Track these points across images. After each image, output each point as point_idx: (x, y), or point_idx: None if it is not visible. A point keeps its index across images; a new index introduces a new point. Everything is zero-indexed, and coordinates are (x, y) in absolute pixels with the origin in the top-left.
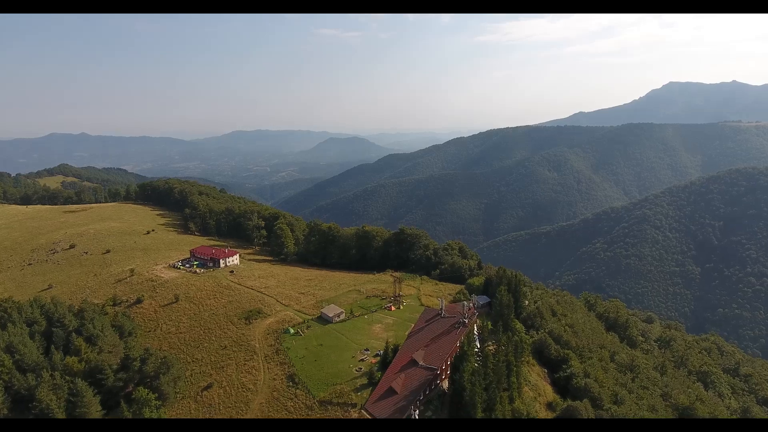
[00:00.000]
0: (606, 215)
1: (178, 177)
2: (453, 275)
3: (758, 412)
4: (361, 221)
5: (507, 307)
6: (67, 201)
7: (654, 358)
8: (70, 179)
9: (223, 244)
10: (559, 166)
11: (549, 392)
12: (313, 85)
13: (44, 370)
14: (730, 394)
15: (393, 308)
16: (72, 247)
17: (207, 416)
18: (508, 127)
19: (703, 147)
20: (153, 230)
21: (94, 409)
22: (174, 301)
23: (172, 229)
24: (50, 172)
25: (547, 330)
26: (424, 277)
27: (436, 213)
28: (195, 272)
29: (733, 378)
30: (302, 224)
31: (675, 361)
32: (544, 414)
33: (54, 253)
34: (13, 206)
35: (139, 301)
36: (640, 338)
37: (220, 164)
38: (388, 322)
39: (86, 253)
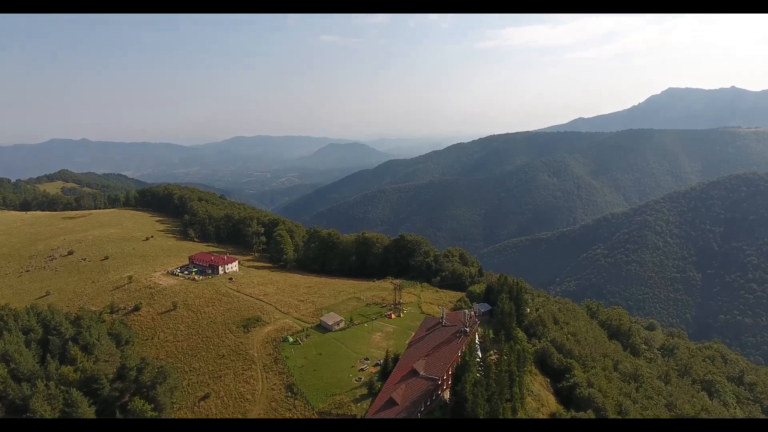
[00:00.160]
0: (606, 221)
1: (178, 183)
2: (454, 282)
3: None
4: (361, 227)
5: (509, 316)
6: (66, 207)
7: (658, 367)
8: (70, 185)
9: (222, 250)
10: (559, 172)
11: (552, 403)
12: (313, 91)
13: (39, 379)
14: (735, 404)
15: (393, 316)
16: (70, 253)
17: None
18: (507, 133)
19: (703, 152)
20: (152, 236)
21: None
22: (172, 308)
23: (171, 235)
24: (50, 178)
25: (549, 338)
26: (425, 284)
27: (436, 219)
28: (193, 279)
29: (738, 387)
30: (302, 230)
31: (679, 369)
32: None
33: (52, 259)
34: (12, 212)
35: (136, 308)
36: (644, 346)
37: (221, 170)
38: (388, 331)
39: (84, 259)
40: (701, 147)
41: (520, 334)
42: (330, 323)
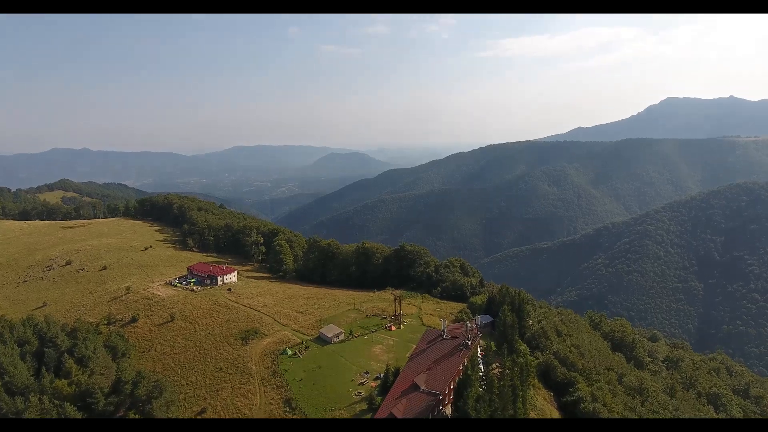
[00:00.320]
0: (607, 230)
1: (178, 192)
2: (455, 293)
3: None
4: (361, 236)
5: (511, 328)
6: (66, 216)
7: (662, 380)
8: (70, 194)
9: (221, 260)
10: (559, 181)
11: (556, 417)
12: (314, 100)
13: (33, 393)
14: (741, 417)
15: (393, 328)
16: (68, 263)
17: None
18: (507, 143)
19: (702, 162)
20: (151, 246)
21: None
22: (169, 320)
23: (170, 245)
24: (50, 188)
25: (552, 351)
26: (425, 295)
27: (436, 228)
28: (192, 290)
29: (744, 400)
30: (301, 240)
31: (684, 382)
32: None
33: (50, 269)
34: (11, 222)
35: (134, 320)
36: (648, 359)
37: (221, 179)
38: (388, 343)
39: (82, 269)
40: (701, 156)
41: (523, 346)
42: (329, 335)
